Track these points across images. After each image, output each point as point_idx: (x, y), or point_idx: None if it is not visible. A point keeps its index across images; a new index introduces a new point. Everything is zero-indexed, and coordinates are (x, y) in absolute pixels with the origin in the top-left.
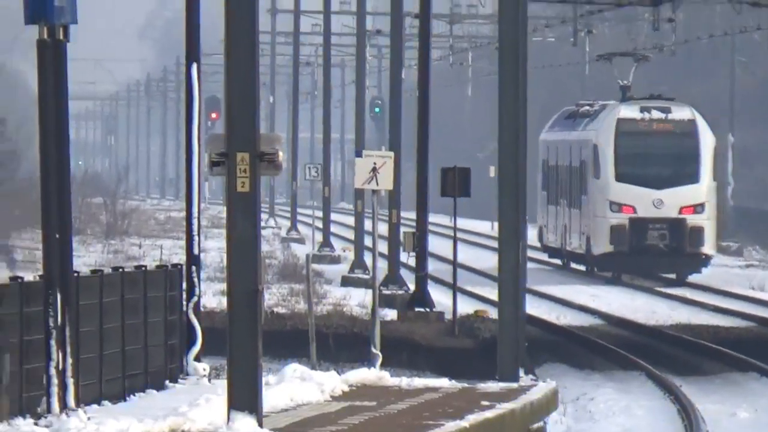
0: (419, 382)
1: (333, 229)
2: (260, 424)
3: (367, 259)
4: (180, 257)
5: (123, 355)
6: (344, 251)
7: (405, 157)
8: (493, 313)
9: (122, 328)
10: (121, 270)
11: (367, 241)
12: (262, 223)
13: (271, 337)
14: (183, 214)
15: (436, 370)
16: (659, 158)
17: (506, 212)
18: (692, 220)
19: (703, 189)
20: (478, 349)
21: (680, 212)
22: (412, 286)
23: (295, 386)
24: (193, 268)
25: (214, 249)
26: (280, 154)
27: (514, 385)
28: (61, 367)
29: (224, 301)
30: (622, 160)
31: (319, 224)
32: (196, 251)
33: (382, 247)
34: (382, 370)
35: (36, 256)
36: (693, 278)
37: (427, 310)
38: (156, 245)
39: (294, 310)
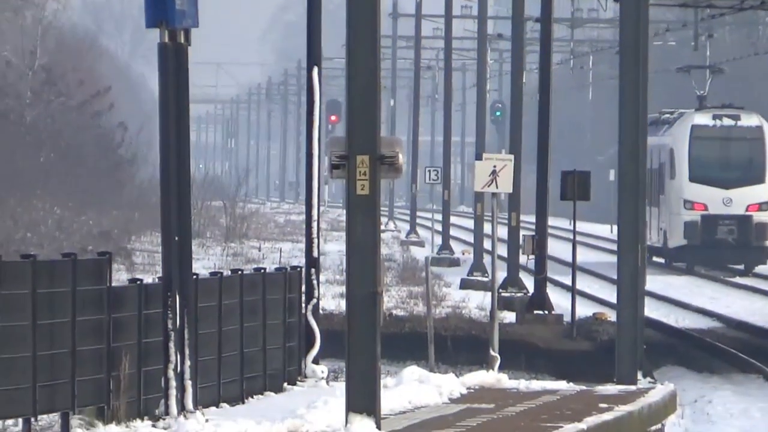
0: (537, 384)
1: (452, 232)
2: (378, 427)
3: (487, 262)
4: (299, 260)
5: (241, 358)
6: (463, 254)
7: (525, 160)
8: (611, 315)
9: (241, 330)
10: (240, 272)
11: (487, 244)
12: (382, 226)
13: (389, 339)
14: (302, 217)
15: (554, 373)
16: (728, 161)
17: (626, 215)
18: (758, 216)
19: None
20: (596, 352)
21: (747, 209)
22: (531, 289)
23: (413, 389)
24: (313, 270)
25: (334, 252)
26: (401, 157)
27: (632, 387)
28: (179, 369)
29: (343, 303)
30: (695, 162)
31: (439, 227)
32: (315, 254)
33: (502, 250)
34: (501, 373)
35: (155, 258)
36: None
37: (546, 312)
38: (275, 248)
39: (413, 312)
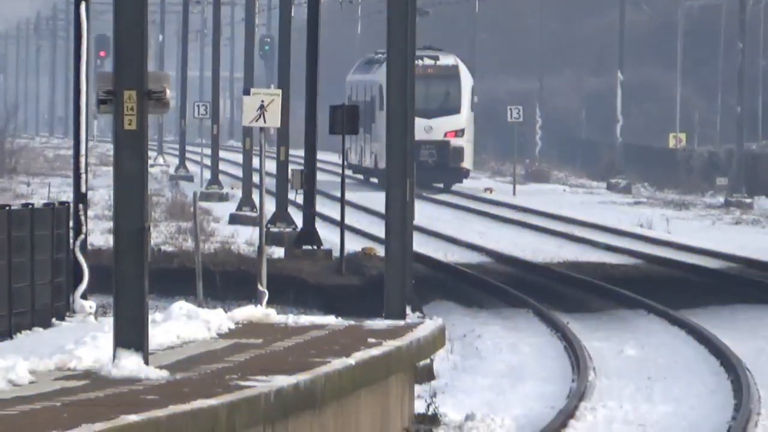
0: (306, 319)
1: (222, 167)
2: (146, 362)
3: (256, 197)
4: (68, 195)
5: (9, 293)
6: (233, 189)
7: (295, 95)
8: (380, 250)
9: (9, 266)
10: (7, 208)
11: (256, 179)
12: (151, 162)
13: (158, 275)
14: (71, 152)
15: (323, 308)
16: (429, 95)
17: (393, 150)
18: (454, 142)
19: (462, 118)
20: (365, 287)
21: (445, 136)
22: (300, 224)
23: (181, 324)
24: (81, 206)
25: (103, 187)
26: (168, 92)
27: (401, 322)
28: None
29: (112, 239)
30: None
31: (208, 162)
32: (83, 189)
33: (271, 185)
34: (269, 308)
35: None
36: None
37: (315, 247)
38: (44, 183)
39: (182, 248)
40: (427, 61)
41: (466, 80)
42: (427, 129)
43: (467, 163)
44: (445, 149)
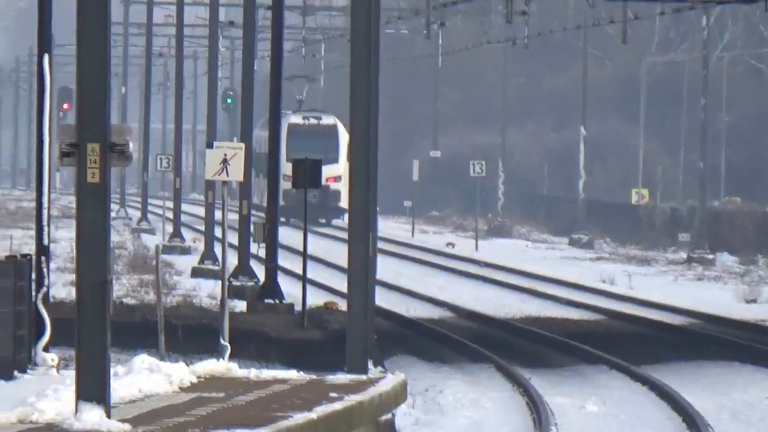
0: (268, 373)
1: (184, 219)
2: (108, 415)
3: (218, 250)
4: (30, 247)
5: None
6: (195, 242)
7: None
8: (342, 304)
9: None
10: None
11: (218, 233)
12: (113, 214)
13: (120, 328)
14: (33, 204)
15: (285, 362)
16: (313, 147)
17: (357, 204)
18: (333, 186)
19: (340, 167)
20: (327, 341)
21: (326, 181)
22: (262, 278)
23: (143, 377)
24: (43, 258)
25: (65, 239)
26: (131, 144)
27: (363, 377)
28: None
29: (74, 291)
30: (290, 147)
31: (170, 215)
32: (45, 241)
33: (233, 238)
34: (231, 362)
35: None
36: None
37: (277, 301)
38: (6, 235)
39: (144, 300)
40: (312, 121)
41: (344, 136)
42: None
43: (344, 203)
44: (326, 192)
